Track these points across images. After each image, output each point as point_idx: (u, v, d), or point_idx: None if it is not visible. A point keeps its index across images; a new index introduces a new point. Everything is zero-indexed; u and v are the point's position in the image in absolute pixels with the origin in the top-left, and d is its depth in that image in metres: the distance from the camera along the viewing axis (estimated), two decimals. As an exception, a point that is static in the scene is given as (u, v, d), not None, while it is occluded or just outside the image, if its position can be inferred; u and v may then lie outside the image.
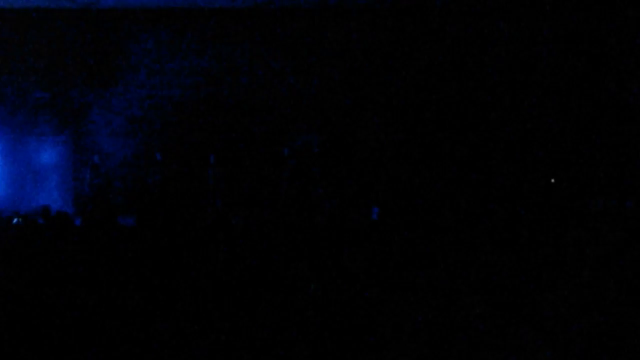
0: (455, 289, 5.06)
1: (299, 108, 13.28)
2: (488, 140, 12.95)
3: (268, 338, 4.67)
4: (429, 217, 8.29)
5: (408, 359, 4.55)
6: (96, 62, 13.18)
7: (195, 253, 5.97)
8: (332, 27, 13.33)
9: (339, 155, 13.00)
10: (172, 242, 6.43)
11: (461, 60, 13.21)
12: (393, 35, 13.31)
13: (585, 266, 5.37)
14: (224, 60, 13.45)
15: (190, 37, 13.39)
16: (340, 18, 13.30)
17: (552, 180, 12.27)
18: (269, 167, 13.00)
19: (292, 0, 12.54)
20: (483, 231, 6.56)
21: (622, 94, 12.37)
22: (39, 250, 5.90)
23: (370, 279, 5.31)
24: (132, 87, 13.29)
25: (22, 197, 12.79)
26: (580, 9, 12.64)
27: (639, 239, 5.77)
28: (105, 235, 6.85)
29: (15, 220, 8.13)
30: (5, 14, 12.88)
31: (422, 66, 13.23)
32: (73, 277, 5.32)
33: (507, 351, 4.52)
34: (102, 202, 12.69)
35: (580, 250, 5.62)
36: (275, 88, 13.32)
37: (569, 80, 12.90)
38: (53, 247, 6.09)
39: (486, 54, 13.17)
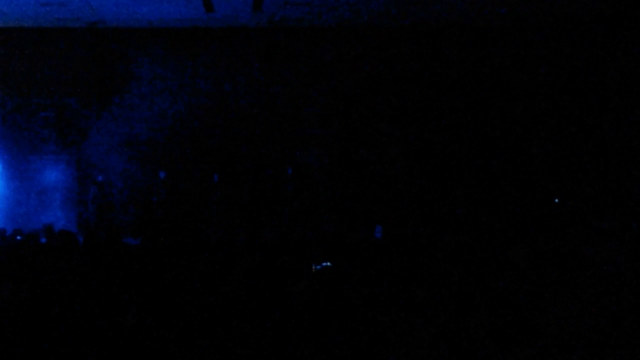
0: (458, 307, 5.05)
1: (302, 126, 13.28)
2: (493, 157, 12.94)
3: (269, 357, 4.66)
4: (433, 235, 8.27)
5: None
6: (101, 81, 13.20)
7: (198, 273, 5.96)
8: (335, 45, 13.36)
9: (342, 173, 12.98)
10: (176, 261, 6.41)
11: (467, 78, 13.22)
12: (397, 54, 13.33)
13: (590, 285, 5.35)
14: (227, 79, 13.47)
15: (194, 56, 13.41)
16: (343, 36, 13.33)
17: (556, 200, 12.23)
18: (273, 186, 12.98)
19: (296, 21, 12.59)
20: (486, 249, 6.54)
21: (625, 112, 12.35)
22: (41, 269, 5.89)
23: (373, 297, 5.30)
24: (136, 106, 13.30)
25: (25, 215, 12.77)
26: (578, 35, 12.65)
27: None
28: (109, 254, 6.84)
29: (18, 237, 8.13)
30: (10, 32, 12.91)
31: (426, 84, 13.24)
32: (75, 296, 5.31)
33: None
34: (106, 221, 12.67)
35: (585, 271, 5.61)
36: (278, 106, 13.33)
37: (573, 99, 12.90)
38: (56, 266, 6.07)
39: (494, 74, 13.17)
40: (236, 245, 7.12)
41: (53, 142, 13.12)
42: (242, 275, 5.91)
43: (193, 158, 13.21)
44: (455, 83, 13.21)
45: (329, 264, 6.05)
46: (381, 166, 12.96)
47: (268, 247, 7.03)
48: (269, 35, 13.25)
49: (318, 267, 6.02)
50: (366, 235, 9.69)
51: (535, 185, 12.50)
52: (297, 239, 8.48)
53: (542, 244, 6.80)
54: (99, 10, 11.54)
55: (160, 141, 13.27)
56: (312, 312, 5.08)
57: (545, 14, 12.05)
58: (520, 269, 5.81)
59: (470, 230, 9.19)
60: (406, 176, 12.79)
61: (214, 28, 13.12)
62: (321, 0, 11.49)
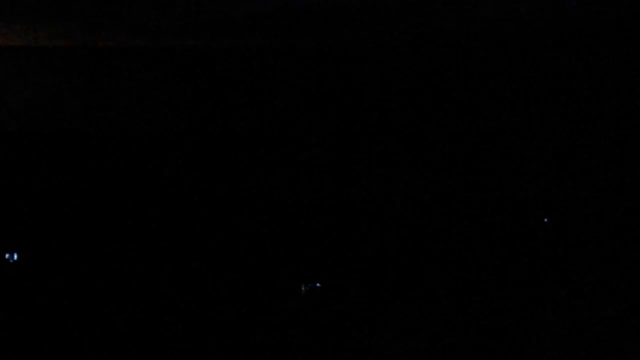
0: (458, 324, 5.01)
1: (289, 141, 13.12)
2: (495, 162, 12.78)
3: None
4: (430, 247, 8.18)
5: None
6: (91, 100, 13.09)
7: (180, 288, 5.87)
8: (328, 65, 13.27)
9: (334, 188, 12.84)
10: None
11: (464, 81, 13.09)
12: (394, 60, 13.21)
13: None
14: (219, 98, 13.37)
15: (187, 76, 13.31)
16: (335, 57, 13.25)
17: (545, 220, 12.08)
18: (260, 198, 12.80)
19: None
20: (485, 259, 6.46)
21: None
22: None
23: (368, 318, 5.26)
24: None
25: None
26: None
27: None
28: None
29: None
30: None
31: (425, 88, 13.11)
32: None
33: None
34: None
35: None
36: (271, 118, 13.19)
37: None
38: None
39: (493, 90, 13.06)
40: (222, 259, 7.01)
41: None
42: (226, 292, 5.82)
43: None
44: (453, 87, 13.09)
45: (318, 284, 5.96)
46: (375, 177, 12.79)
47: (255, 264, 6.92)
48: (260, 55, 13.15)
49: (308, 287, 5.94)
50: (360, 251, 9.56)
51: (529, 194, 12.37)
52: (285, 256, 8.36)
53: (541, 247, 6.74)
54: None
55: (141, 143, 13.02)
56: (301, 334, 5.05)
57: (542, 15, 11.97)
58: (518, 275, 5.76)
59: (469, 243, 9.07)
60: (399, 190, 12.64)
61: (208, 48, 13.03)
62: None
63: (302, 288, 5.85)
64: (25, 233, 5.50)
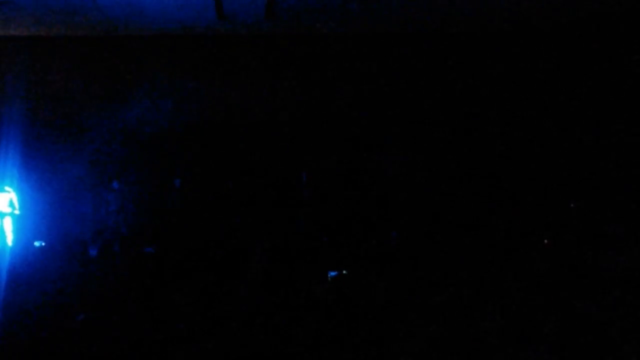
0: (471, 311, 5.03)
1: (315, 133, 13.20)
2: (506, 161, 12.86)
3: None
4: (447, 242, 8.23)
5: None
6: (115, 88, 13.17)
7: (214, 279, 5.95)
8: (346, 52, 13.31)
9: (357, 180, 12.93)
10: (192, 267, 6.41)
11: (476, 82, 13.16)
12: (407, 61, 13.28)
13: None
14: (240, 86, 13.43)
15: (206, 63, 13.37)
16: (354, 43, 13.29)
17: (572, 205, 12.10)
18: (287, 192, 12.93)
19: (307, 28, 12.58)
20: (499, 254, 6.50)
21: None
22: (56, 276, 5.90)
23: (388, 303, 5.28)
24: (149, 115, 13.23)
25: (40, 223, 12.70)
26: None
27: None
28: (123, 263, 6.85)
29: (38, 244, 8.20)
30: (24, 41, 12.91)
31: (437, 89, 13.18)
32: (90, 305, 5.32)
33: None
34: (123, 228, 12.62)
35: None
36: (290, 113, 13.27)
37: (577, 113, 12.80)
38: (70, 273, 6.08)
39: (504, 78, 13.11)
40: (252, 251, 7.11)
41: (66, 150, 13.01)
42: (257, 280, 5.90)
43: (207, 166, 13.15)
44: (465, 87, 13.15)
45: (344, 272, 6.03)
46: (395, 172, 12.88)
47: (284, 254, 7.02)
48: (281, 43, 13.23)
49: (333, 274, 6.01)
50: (382, 242, 9.66)
51: (548, 189, 12.40)
52: (312, 245, 8.46)
53: (555, 248, 6.75)
54: (108, 13, 11.26)
55: (171, 149, 13.18)
56: (327, 318, 5.07)
57: (549, 19, 11.99)
58: (532, 273, 5.78)
59: (483, 235, 9.14)
60: (420, 182, 12.71)
61: (226, 35, 13.09)
62: (335, 8, 11.45)
63: (329, 275, 5.92)
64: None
